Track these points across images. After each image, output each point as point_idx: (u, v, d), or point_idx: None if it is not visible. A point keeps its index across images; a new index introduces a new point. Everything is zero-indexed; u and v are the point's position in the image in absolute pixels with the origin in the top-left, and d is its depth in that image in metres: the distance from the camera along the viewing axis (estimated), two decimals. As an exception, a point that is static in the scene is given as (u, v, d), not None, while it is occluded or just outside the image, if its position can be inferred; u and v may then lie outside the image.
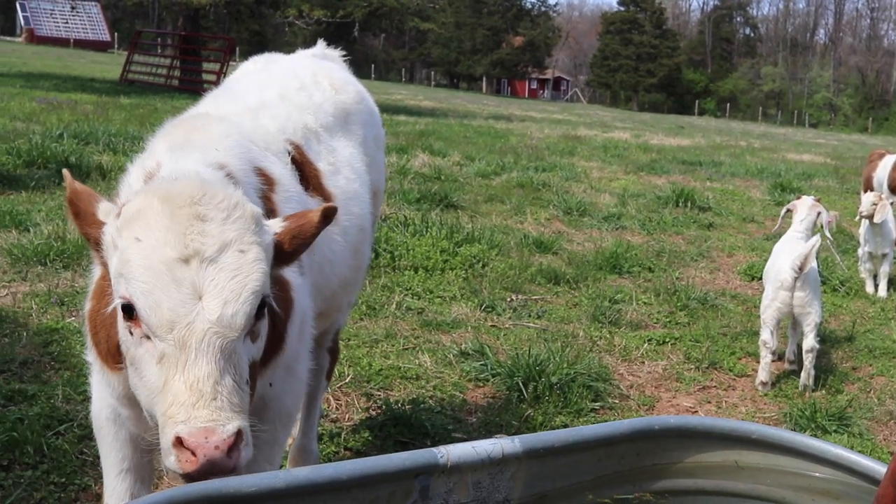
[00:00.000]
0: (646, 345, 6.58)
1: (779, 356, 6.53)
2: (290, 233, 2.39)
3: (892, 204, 8.84)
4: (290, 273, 2.61)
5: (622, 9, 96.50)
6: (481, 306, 7.03)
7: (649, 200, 13.12)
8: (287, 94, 3.50)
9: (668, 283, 8.27)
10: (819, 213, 6.59)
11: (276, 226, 2.39)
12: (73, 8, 53.10)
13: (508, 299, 7.32)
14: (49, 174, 9.85)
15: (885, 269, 8.74)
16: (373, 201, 3.83)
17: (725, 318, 7.50)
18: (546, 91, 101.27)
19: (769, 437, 2.45)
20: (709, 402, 5.76)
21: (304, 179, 3.15)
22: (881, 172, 11.63)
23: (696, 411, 5.58)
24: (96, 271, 2.64)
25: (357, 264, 3.59)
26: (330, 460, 4.21)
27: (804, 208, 6.59)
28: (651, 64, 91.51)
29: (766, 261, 6.66)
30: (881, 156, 12.02)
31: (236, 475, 2.00)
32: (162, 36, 56.80)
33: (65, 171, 2.42)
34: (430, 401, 5.21)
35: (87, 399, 2.87)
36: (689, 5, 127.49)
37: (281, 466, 3.27)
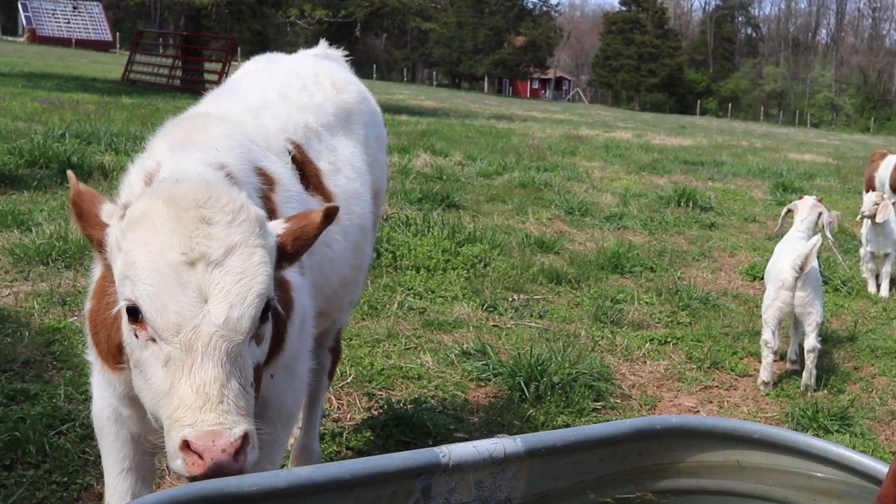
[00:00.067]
0: (647, 344, 6.58)
1: (781, 356, 6.53)
2: (292, 234, 2.39)
3: (893, 204, 8.83)
4: (290, 273, 2.61)
5: (624, 9, 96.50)
6: (483, 306, 7.03)
7: (651, 200, 13.12)
8: (288, 93, 3.50)
9: (669, 283, 8.26)
10: (820, 214, 6.59)
11: (278, 227, 2.39)
12: (74, 8, 53.16)
13: (510, 299, 7.32)
14: (51, 174, 9.85)
15: (887, 269, 8.73)
16: (374, 201, 3.82)
17: (727, 317, 7.50)
18: (548, 91, 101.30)
19: (771, 436, 2.45)
20: (711, 402, 5.75)
21: (305, 179, 3.15)
22: (883, 172, 11.63)
23: (698, 411, 5.58)
24: (97, 271, 2.64)
25: (358, 264, 3.59)
26: (332, 460, 4.22)
27: (805, 208, 6.58)
28: (653, 64, 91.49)
29: (767, 261, 6.66)
30: (883, 156, 12.02)
31: None
32: (164, 36, 56.85)
33: (69, 173, 2.42)
34: (432, 400, 5.21)
35: (88, 398, 2.88)
36: (691, 5, 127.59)
37: (282, 466, 3.27)
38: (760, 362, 6.13)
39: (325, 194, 3.21)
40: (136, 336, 2.19)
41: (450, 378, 5.56)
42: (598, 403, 5.40)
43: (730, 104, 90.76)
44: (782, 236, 6.67)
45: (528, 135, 23.86)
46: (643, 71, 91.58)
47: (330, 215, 2.43)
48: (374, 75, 77.39)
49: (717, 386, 6.04)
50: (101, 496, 3.51)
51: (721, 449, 2.48)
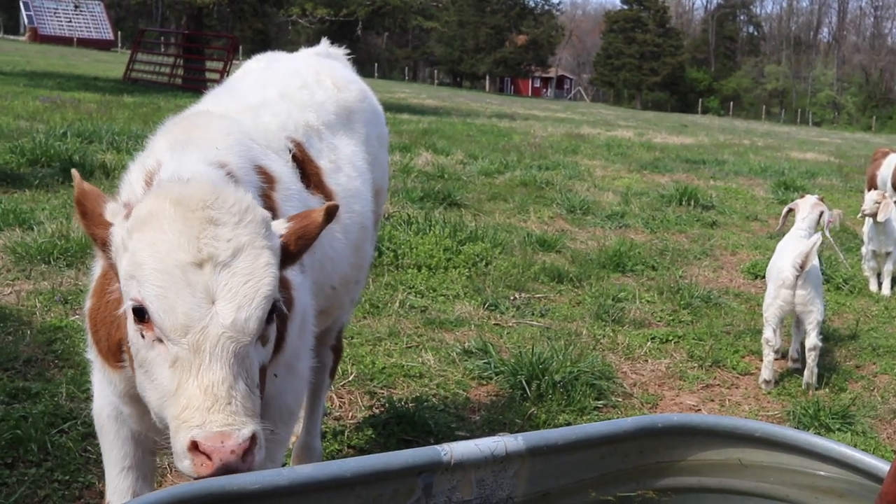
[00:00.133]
0: (649, 343, 6.58)
1: (782, 354, 6.53)
2: (295, 234, 2.39)
3: (895, 202, 8.83)
4: (290, 272, 2.61)
5: (625, 7, 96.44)
6: (484, 304, 7.03)
7: (652, 199, 13.12)
8: (289, 91, 3.50)
9: (671, 282, 8.26)
10: (822, 213, 6.58)
11: (281, 227, 2.39)
12: (76, 7, 53.17)
13: (512, 297, 7.32)
14: (53, 173, 9.86)
15: (888, 268, 8.73)
16: (375, 199, 3.82)
17: (729, 316, 7.49)
18: (549, 90, 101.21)
19: (773, 435, 2.45)
20: (712, 401, 5.75)
21: (305, 177, 3.15)
22: (885, 171, 11.61)
23: (700, 409, 5.58)
24: (97, 269, 2.64)
25: (359, 262, 3.59)
26: (333, 458, 4.22)
27: (806, 207, 6.58)
28: (654, 62, 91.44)
29: (769, 259, 6.65)
30: (885, 154, 11.99)
31: None
32: (165, 34, 56.82)
33: (74, 172, 2.41)
34: (434, 399, 5.21)
35: (90, 397, 2.88)
36: (693, 4, 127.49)
37: (284, 464, 3.27)
38: (762, 361, 6.12)
39: (325, 193, 3.21)
40: (143, 336, 2.19)
41: (451, 376, 5.56)
42: (600, 402, 5.40)
43: (731, 103, 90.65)
44: (784, 235, 6.67)
45: (530, 133, 23.85)
46: (645, 69, 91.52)
47: (331, 214, 2.43)
48: (376, 74, 77.36)
49: (718, 384, 6.04)
50: (102, 494, 3.51)
51: (722, 447, 2.49)
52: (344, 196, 3.34)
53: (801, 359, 6.27)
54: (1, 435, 3.98)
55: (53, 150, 10.70)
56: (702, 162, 19.44)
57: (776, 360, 6.22)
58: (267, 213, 2.35)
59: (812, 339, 6.01)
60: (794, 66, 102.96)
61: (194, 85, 29.81)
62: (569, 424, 4.80)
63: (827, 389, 6.05)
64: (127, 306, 2.22)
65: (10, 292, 6.04)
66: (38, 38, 68.05)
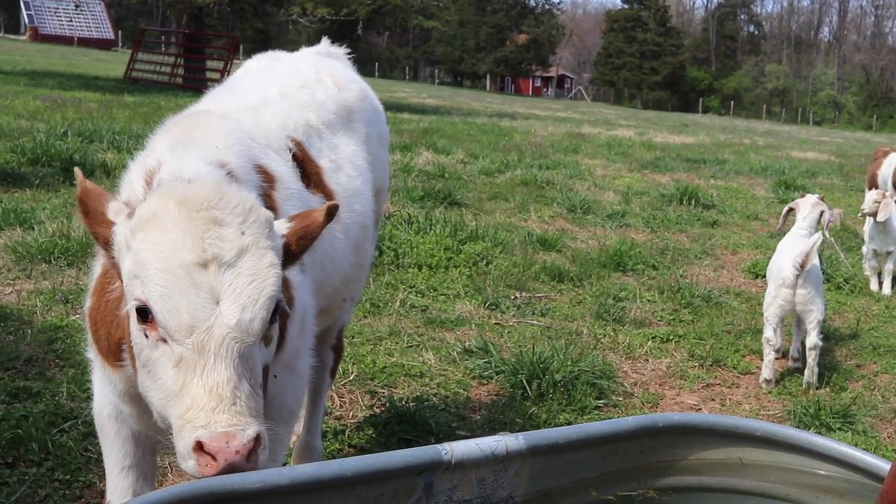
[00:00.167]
0: (650, 342, 6.58)
1: (783, 354, 6.53)
2: (296, 234, 2.40)
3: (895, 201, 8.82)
4: (291, 271, 2.62)
5: (626, 6, 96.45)
6: (485, 304, 7.03)
7: (653, 198, 13.11)
8: (289, 91, 3.50)
9: (671, 281, 8.26)
10: (822, 212, 6.58)
11: (282, 227, 2.39)
12: (76, 6, 53.13)
13: (512, 297, 7.32)
14: (53, 172, 9.86)
15: (889, 267, 8.72)
16: (376, 199, 3.82)
17: (729, 315, 7.49)
18: (550, 89, 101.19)
19: (773, 434, 2.45)
20: (713, 400, 5.75)
21: (306, 176, 3.15)
22: (886, 170, 11.60)
23: (700, 409, 5.58)
24: (97, 268, 2.64)
25: (359, 262, 3.59)
26: (334, 457, 4.21)
27: (807, 206, 6.58)
28: (655, 62, 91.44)
29: (769, 258, 6.65)
30: (886, 153, 11.98)
31: None
32: (166, 34, 56.79)
33: (76, 170, 2.41)
34: (434, 398, 5.21)
35: (90, 396, 2.88)
36: (693, 3, 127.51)
37: (285, 463, 3.27)
38: (762, 360, 6.12)
39: (325, 192, 3.20)
40: (146, 336, 2.18)
41: (452, 376, 5.56)
42: (600, 401, 5.40)
43: (732, 102, 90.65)
44: (784, 234, 6.67)
45: (530, 133, 23.85)
46: (645, 69, 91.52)
47: (331, 213, 2.43)
48: (377, 73, 77.35)
49: (719, 384, 6.04)
50: (103, 494, 3.51)
51: (723, 446, 2.48)
52: (344, 195, 3.34)
53: (802, 358, 6.27)
54: (2, 434, 3.98)
55: (54, 149, 10.70)
56: (702, 161, 19.44)
57: (777, 359, 6.22)
58: (270, 214, 2.35)
59: (813, 339, 6.01)
60: (794, 65, 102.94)
61: (195, 84, 29.82)
62: (569, 424, 4.81)
63: (828, 389, 6.05)
64: (130, 306, 2.21)
65: (11, 292, 6.04)
66: (38, 37, 68.03)
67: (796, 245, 6.17)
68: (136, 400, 2.54)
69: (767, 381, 6.03)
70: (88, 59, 47.35)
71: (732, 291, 8.35)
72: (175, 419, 2.12)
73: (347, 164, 3.49)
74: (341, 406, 4.98)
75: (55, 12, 70.84)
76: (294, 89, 3.53)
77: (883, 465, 2.24)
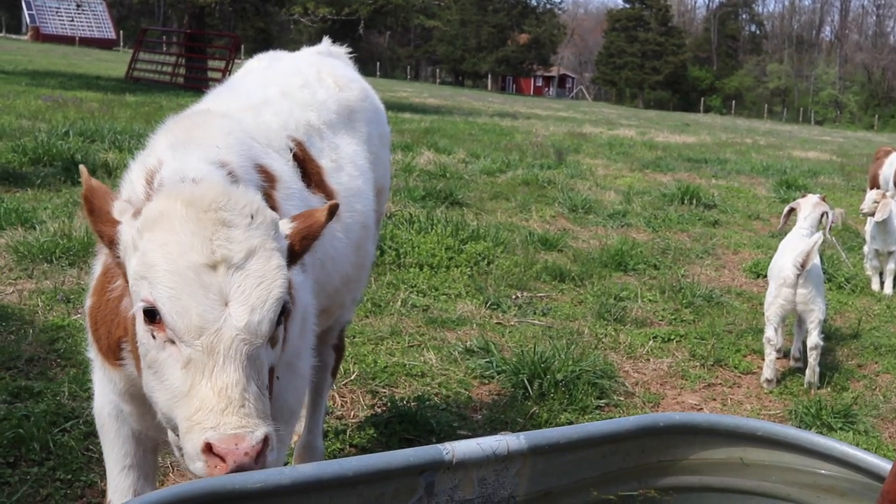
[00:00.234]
0: (651, 342, 6.58)
1: (784, 353, 6.53)
2: (299, 234, 2.40)
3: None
4: (292, 271, 2.62)
5: (627, 6, 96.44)
6: (486, 303, 7.03)
7: (654, 198, 13.11)
8: (290, 90, 3.50)
9: (673, 281, 8.26)
10: (825, 213, 6.57)
11: (285, 227, 2.39)
12: (78, 6, 53.01)
13: (513, 296, 7.32)
14: (55, 172, 9.86)
15: (890, 267, 8.72)
16: (377, 198, 3.82)
17: (731, 315, 7.49)
18: (551, 88, 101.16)
19: (774, 433, 2.45)
20: (714, 400, 5.75)
21: (306, 176, 3.14)
22: (887, 170, 11.59)
23: (702, 408, 5.58)
24: (97, 267, 2.64)
25: (360, 261, 3.59)
26: (335, 457, 4.22)
27: (808, 206, 6.58)
28: (656, 61, 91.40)
29: (771, 258, 6.65)
30: (887, 153, 11.98)
31: None
32: (167, 34, 56.79)
33: (81, 168, 2.41)
34: (436, 398, 5.21)
35: (92, 396, 2.88)
36: (695, 2, 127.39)
37: (286, 463, 3.27)
38: (764, 360, 6.12)
39: (326, 192, 3.20)
40: (154, 337, 2.18)
41: (453, 375, 5.56)
42: (602, 401, 5.40)
43: (733, 101, 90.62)
44: (786, 234, 6.67)
45: (532, 132, 23.85)
46: (647, 68, 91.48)
47: (332, 213, 2.44)
48: (378, 73, 77.37)
49: (720, 383, 6.04)
50: (105, 493, 3.52)
51: (724, 446, 2.48)
52: (345, 195, 3.34)
53: (803, 358, 6.27)
54: (3, 434, 3.99)
55: (55, 149, 10.71)
56: (704, 161, 19.44)
57: (778, 359, 6.21)
58: (275, 215, 2.35)
59: (814, 338, 6.01)
60: (796, 64, 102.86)
61: (196, 84, 29.83)
62: (570, 423, 4.81)
63: (829, 388, 6.05)
64: (137, 308, 2.21)
65: (13, 291, 6.04)
66: (40, 37, 68.05)
67: (797, 245, 6.17)
68: (136, 399, 2.54)
69: (769, 381, 6.03)
70: (90, 59, 47.36)
71: (734, 291, 8.35)
72: (182, 420, 2.11)
73: (348, 164, 3.49)
74: (342, 406, 4.98)
75: (57, 12, 70.80)
76: (295, 89, 3.53)
77: (884, 465, 2.24)
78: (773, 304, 6.12)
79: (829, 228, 6.66)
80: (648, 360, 6.28)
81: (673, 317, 7.33)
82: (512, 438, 2.24)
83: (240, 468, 2.00)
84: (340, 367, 4.69)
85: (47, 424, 4.13)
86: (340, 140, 3.54)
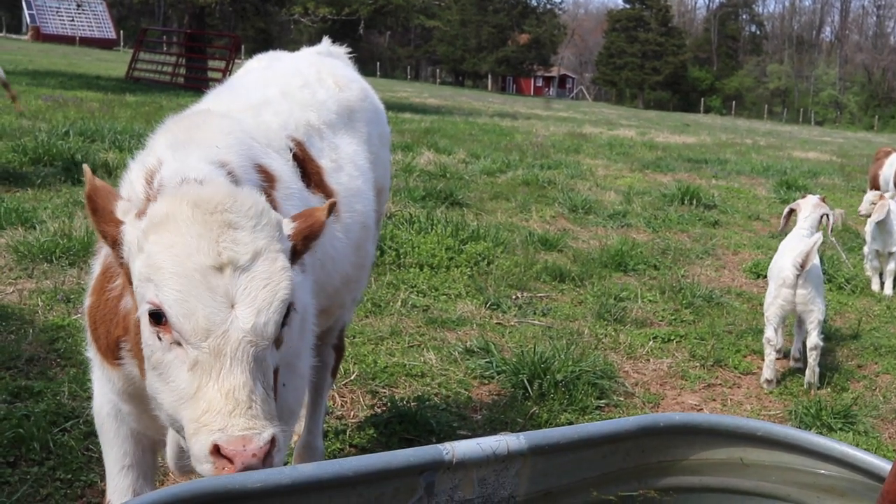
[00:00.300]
0: (651, 342, 6.58)
1: (784, 354, 6.53)
2: (301, 234, 2.40)
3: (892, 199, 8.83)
4: (292, 271, 2.62)
5: (628, 6, 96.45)
6: (486, 304, 7.03)
7: (655, 198, 13.11)
8: (290, 90, 3.50)
9: (673, 281, 8.26)
10: (825, 215, 6.57)
11: (287, 227, 2.39)
12: (78, 6, 53.00)
13: (513, 297, 7.32)
14: (55, 172, 9.86)
15: (890, 268, 8.72)
16: (377, 199, 3.82)
17: (731, 315, 7.49)
18: (551, 89, 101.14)
19: (774, 434, 2.45)
20: (714, 400, 5.75)
21: (307, 176, 3.14)
22: (887, 170, 11.61)
23: (702, 409, 5.58)
24: (96, 267, 2.63)
25: (360, 262, 3.59)
26: (335, 457, 4.22)
27: (808, 207, 6.58)
28: (656, 62, 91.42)
29: (771, 258, 6.66)
30: (887, 153, 12.00)
31: None
32: (167, 34, 56.83)
33: (85, 167, 2.41)
34: (436, 398, 5.21)
35: (92, 396, 2.88)
36: (695, 3, 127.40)
37: (285, 463, 3.27)
38: (763, 360, 6.12)
39: (326, 192, 3.20)
40: (159, 339, 2.18)
41: (453, 376, 5.56)
42: (602, 401, 5.40)
43: (733, 102, 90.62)
44: (786, 235, 6.67)
45: (532, 133, 23.85)
46: (647, 69, 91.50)
47: (331, 210, 2.44)
48: (378, 73, 77.39)
49: (720, 384, 6.04)
50: (105, 493, 3.52)
51: (724, 446, 2.48)
52: (345, 195, 3.34)
53: (803, 358, 6.27)
54: (3, 433, 3.99)
55: (56, 149, 10.70)
56: (704, 161, 19.44)
57: (778, 359, 6.21)
58: (279, 216, 2.35)
59: (813, 339, 6.01)
60: (796, 65, 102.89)
61: (196, 84, 29.83)
62: (570, 424, 4.81)
63: (829, 389, 6.05)
64: (143, 310, 2.20)
65: (13, 291, 6.04)
66: (40, 37, 68.04)
67: (797, 245, 6.17)
68: (135, 398, 2.54)
69: (768, 382, 6.03)
70: (90, 59, 47.36)
71: (734, 291, 8.35)
72: (189, 422, 2.12)
73: (348, 164, 3.49)
74: (342, 406, 4.98)
75: (57, 12, 70.78)
76: (295, 89, 3.53)
77: (884, 466, 2.24)
78: (773, 304, 6.12)
79: (831, 230, 6.67)
80: (648, 360, 6.28)
81: (673, 317, 7.33)
82: (512, 438, 2.24)
83: (247, 470, 2.01)
84: (340, 367, 4.69)
85: (47, 424, 4.13)
86: (340, 140, 3.54)
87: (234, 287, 2.16)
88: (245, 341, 2.13)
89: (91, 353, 2.66)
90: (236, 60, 28.86)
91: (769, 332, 6.11)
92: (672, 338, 6.74)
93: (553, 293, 7.65)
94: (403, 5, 48.17)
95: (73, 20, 69.63)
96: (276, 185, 2.82)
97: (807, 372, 6.07)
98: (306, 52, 4.16)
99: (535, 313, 7.00)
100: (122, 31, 76.44)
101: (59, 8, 69.88)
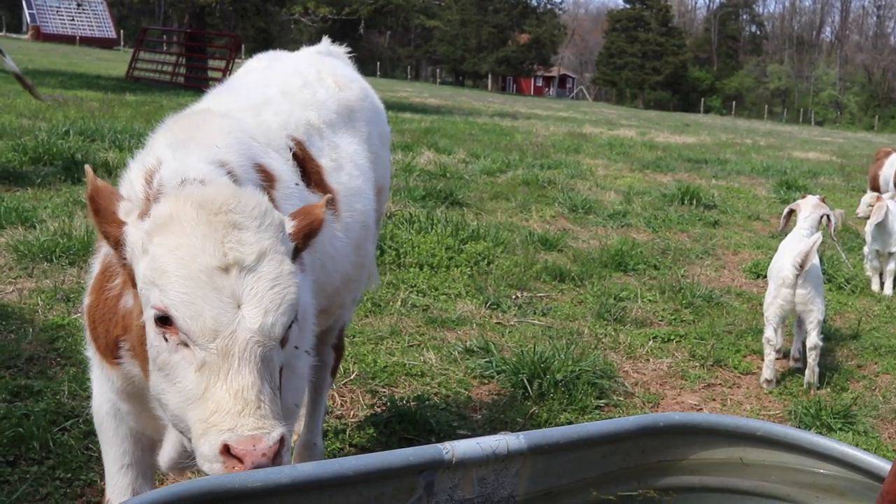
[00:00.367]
0: (651, 342, 6.58)
1: (784, 354, 6.53)
2: (301, 232, 2.40)
3: (891, 198, 8.83)
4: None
5: (628, 6, 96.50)
6: (486, 303, 7.03)
7: (654, 198, 13.11)
8: (290, 90, 3.50)
9: (673, 281, 8.26)
10: (825, 216, 6.57)
11: (288, 226, 2.40)
12: (79, 5, 53.03)
13: (513, 296, 7.32)
14: (55, 171, 9.86)
15: (890, 268, 8.72)
16: (377, 198, 3.82)
17: (730, 315, 7.49)
18: (551, 89, 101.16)
19: (774, 434, 2.45)
20: (713, 400, 5.75)
21: (307, 175, 3.14)
22: (887, 170, 11.61)
23: (701, 409, 5.58)
24: (95, 266, 2.63)
25: (360, 261, 3.59)
26: (335, 456, 4.22)
27: (808, 207, 6.58)
28: (657, 62, 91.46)
29: (771, 258, 6.66)
30: (887, 154, 12.00)
31: None
32: (168, 33, 56.81)
33: (87, 168, 2.40)
34: (435, 398, 5.21)
35: (91, 395, 2.88)
36: (695, 3, 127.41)
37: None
38: (763, 360, 6.12)
39: (326, 191, 3.20)
40: (166, 340, 2.17)
41: (453, 375, 5.56)
42: (601, 401, 5.40)
43: (734, 102, 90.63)
44: (786, 235, 6.67)
45: (532, 132, 23.84)
46: (647, 69, 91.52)
47: (330, 206, 2.45)
48: (378, 73, 77.38)
49: (720, 384, 6.04)
50: (104, 492, 3.52)
51: (724, 446, 2.48)
52: (345, 195, 3.34)
53: (803, 358, 6.27)
54: (3, 433, 3.99)
55: (56, 148, 10.70)
56: (704, 161, 19.44)
57: (778, 359, 6.22)
58: (282, 216, 2.36)
59: (813, 339, 6.01)
60: (796, 65, 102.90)
61: (196, 84, 29.81)
62: (570, 423, 4.81)
63: (828, 389, 6.05)
64: (149, 315, 2.20)
65: (13, 290, 6.04)
66: (40, 36, 68.03)
67: (797, 245, 6.17)
68: (134, 398, 2.54)
69: (768, 382, 6.03)
70: (90, 59, 47.36)
71: (733, 291, 8.35)
72: (197, 423, 2.12)
73: (349, 163, 3.49)
74: (342, 405, 4.98)
75: (57, 11, 70.79)
76: (295, 88, 3.52)
77: (883, 465, 2.25)
78: (773, 304, 6.12)
79: (833, 231, 6.67)
80: (648, 360, 6.28)
81: (673, 317, 7.33)
82: (511, 438, 2.24)
83: (257, 469, 2.01)
84: (340, 366, 4.69)
85: (47, 423, 4.13)
86: (340, 139, 3.54)
87: (241, 287, 2.16)
88: (253, 341, 2.13)
89: (90, 352, 2.66)
90: (236, 60, 28.85)
91: (769, 332, 6.11)
92: (672, 338, 6.74)
93: (553, 293, 7.65)
94: (403, 5, 48.17)
95: (73, 20, 69.65)
96: (275, 185, 2.82)
97: (806, 372, 6.07)
98: (306, 52, 4.16)
99: (534, 313, 7.01)
100: (122, 31, 76.45)
101: (59, 7, 69.89)
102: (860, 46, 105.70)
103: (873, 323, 7.68)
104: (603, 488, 2.42)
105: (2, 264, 6.57)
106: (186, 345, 2.14)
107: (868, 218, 8.52)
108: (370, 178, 3.65)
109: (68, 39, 67.89)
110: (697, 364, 6.27)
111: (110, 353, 2.49)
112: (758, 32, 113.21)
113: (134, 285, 2.28)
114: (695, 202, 12.73)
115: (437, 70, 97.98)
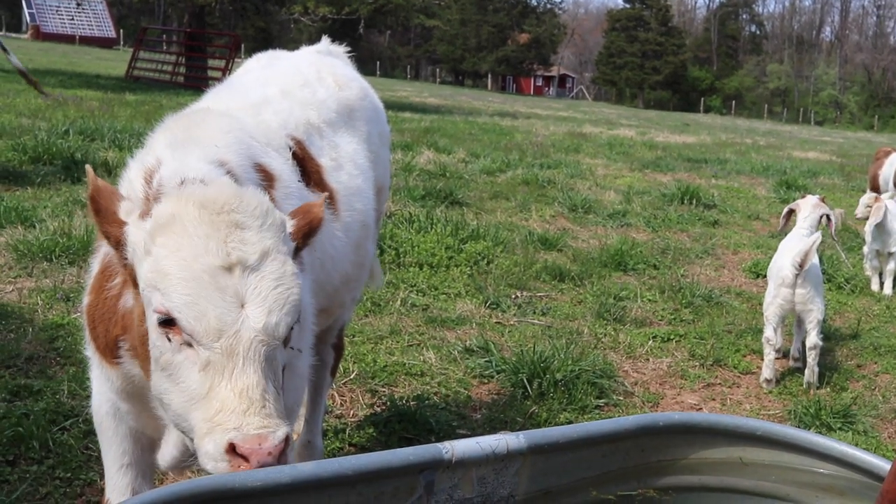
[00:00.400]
0: (650, 342, 6.58)
1: (783, 353, 6.53)
2: (301, 231, 2.40)
3: (891, 198, 8.83)
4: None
5: (628, 6, 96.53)
6: (486, 303, 7.03)
7: (654, 198, 13.11)
8: (290, 90, 3.49)
9: (672, 281, 8.26)
10: (825, 215, 6.57)
11: (288, 226, 2.40)
12: (78, 5, 52.98)
13: (513, 296, 7.32)
14: (55, 170, 9.85)
15: (890, 267, 8.72)
16: (377, 198, 3.82)
17: (730, 315, 7.49)
18: (551, 88, 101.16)
19: (774, 433, 2.45)
20: (713, 400, 5.75)
21: (306, 175, 3.14)
22: (887, 170, 11.62)
23: (701, 408, 5.58)
24: (95, 265, 2.63)
25: (360, 261, 3.58)
26: (335, 456, 4.22)
27: (807, 207, 6.58)
28: (656, 61, 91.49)
29: (770, 258, 6.66)
30: (887, 153, 12.01)
31: None
32: (167, 33, 56.80)
33: (88, 168, 2.40)
34: (435, 397, 5.21)
35: (91, 394, 2.88)
36: (695, 2, 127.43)
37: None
38: (763, 360, 6.13)
39: (326, 191, 3.20)
40: (169, 340, 2.17)
41: (453, 375, 5.56)
42: (601, 400, 5.41)
43: (733, 102, 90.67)
44: (786, 234, 6.68)
45: (532, 132, 23.84)
46: (647, 68, 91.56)
47: (329, 203, 2.45)
48: (378, 72, 77.36)
49: (719, 383, 6.04)
50: (104, 492, 3.52)
51: (723, 446, 2.48)
52: (345, 194, 3.34)
53: (803, 358, 6.27)
54: (2, 432, 3.99)
55: (55, 147, 10.69)
56: (704, 161, 19.43)
57: (777, 359, 6.22)
58: (283, 216, 2.35)
59: (812, 338, 6.01)
60: (796, 65, 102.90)
61: (196, 83, 29.80)
62: (570, 423, 4.81)
63: (828, 388, 6.05)
64: (151, 317, 2.20)
65: (12, 290, 6.04)
66: (40, 35, 68.02)
67: (797, 245, 6.18)
68: (133, 397, 2.54)
69: (768, 381, 6.03)
70: (90, 58, 47.34)
71: (733, 291, 8.35)
72: (201, 422, 2.12)
73: (348, 163, 3.49)
74: (342, 405, 4.98)
75: (57, 11, 70.78)
76: (295, 88, 3.52)
77: (883, 465, 2.24)
78: (772, 304, 6.13)
79: (833, 231, 6.67)
80: (648, 359, 6.28)
81: (672, 317, 7.33)
82: (511, 437, 2.24)
83: (263, 468, 2.02)
84: (340, 366, 4.70)
85: (47, 423, 4.13)
86: (340, 139, 3.54)
87: (244, 287, 2.16)
88: (257, 340, 2.13)
89: (90, 351, 2.66)
90: (236, 59, 28.82)
91: (768, 332, 6.11)
92: (671, 337, 6.74)
93: (553, 292, 7.65)
94: (403, 4, 48.21)
95: (72, 19, 69.62)
96: (275, 184, 2.82)
97: (806, 371, 6.07)
98: (306, 51, 4.15)
99: (534, 312, 7.01)
100: (121, 30, 76.44)
101: (58, 7, 69.87)
102: (860, 46, 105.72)
103: (873, 323, 7.68)
104: (602, 488, 2.42)
105: (1, 264, 6.57)
106: (190, 345, 2.14)
107: (867, 219, 8.52)
108: (370, 178, 3.65)
109: (68, 39, 67.89)
110: (697, 364, 6.28)
111: (110, 352, 2.49)
112: (758, 32, 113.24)
113: (135, 285, 2.28)
114: (694, 202, 12.73)
115: (437, 69, 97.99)
